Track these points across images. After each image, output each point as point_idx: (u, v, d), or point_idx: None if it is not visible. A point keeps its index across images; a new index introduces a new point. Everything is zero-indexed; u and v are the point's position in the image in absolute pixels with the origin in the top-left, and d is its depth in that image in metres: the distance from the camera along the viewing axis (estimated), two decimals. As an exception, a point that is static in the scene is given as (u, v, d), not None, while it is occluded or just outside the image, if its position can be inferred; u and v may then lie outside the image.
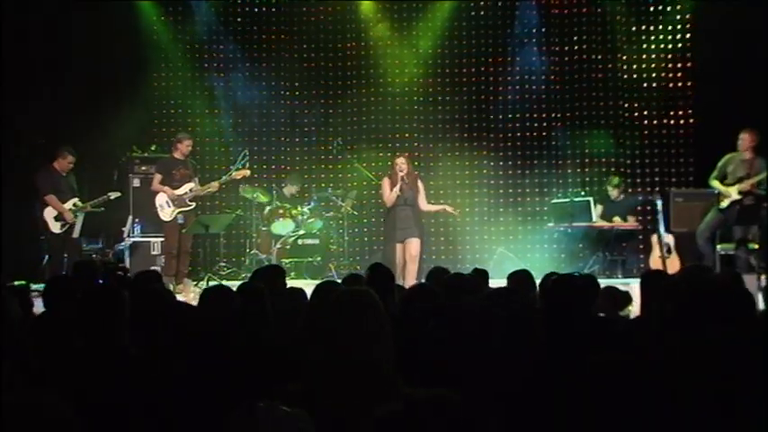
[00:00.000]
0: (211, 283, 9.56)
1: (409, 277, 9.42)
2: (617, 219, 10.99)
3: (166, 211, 10.00)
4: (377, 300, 2.51)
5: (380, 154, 12.25)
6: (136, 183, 11.10)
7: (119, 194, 10.24)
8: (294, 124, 12.57)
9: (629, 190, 11.77)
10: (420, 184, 9.58)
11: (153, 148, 11.68)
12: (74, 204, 9.84)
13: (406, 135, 12.48)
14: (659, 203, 10.69)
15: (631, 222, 11.14)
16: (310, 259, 10.88)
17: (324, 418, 1.86)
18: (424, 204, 9.65)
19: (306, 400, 1.87)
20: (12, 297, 3.93)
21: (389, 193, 9.43)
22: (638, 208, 11.78)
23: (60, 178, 9.87)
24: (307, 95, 12.57)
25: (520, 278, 5.51)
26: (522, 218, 12.17)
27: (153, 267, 10.64)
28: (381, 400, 2.14)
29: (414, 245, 9.39)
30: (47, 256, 10.09)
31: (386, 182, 9.59)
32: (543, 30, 12.28)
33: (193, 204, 10.16)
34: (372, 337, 2.38)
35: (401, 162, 9.44)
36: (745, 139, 9.91)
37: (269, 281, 4.92)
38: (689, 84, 12.03)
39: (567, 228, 10.91)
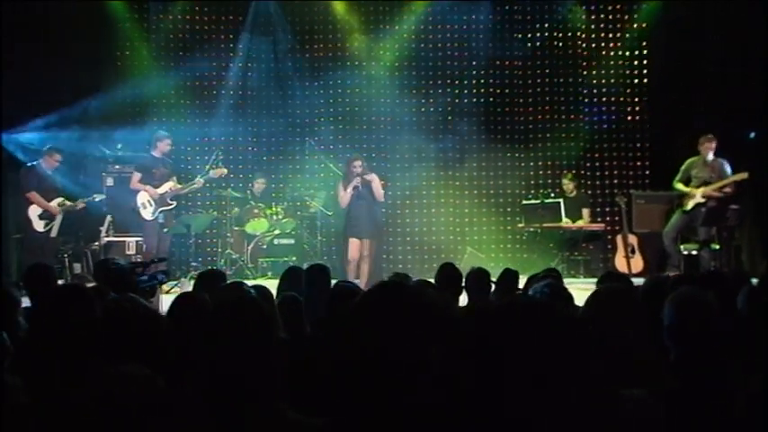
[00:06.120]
0: (192, 282, 9.45)
1: (362, 276, 9.60)
2: (581, 221, 11.31)
3: (148, 210, 9.84)
4: None
5: (348, 155, 12.35)
6: (110, 182, 10.88)
7: (103, 197, 10.09)
8: (264, 124, 12.52)
9: (589, 192, 12.19)
10: (374, 176, 9.89)
11: (119, 147, 11.45)
12: (58, 204, 9.59)
13: (373, 136, 12.59)
14: (623, 205, 11.12)
15: (587, 221, 11.43)
16: (286, 259, 10.89)
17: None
18: (381, 196, 9.93)
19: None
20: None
21: (343, 193, 9.79)
22: (598, 209, 12.21)
23: (45, 176, 9.66)
24: (274, 96, 12.52)
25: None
26: (487, 218, 12.43)
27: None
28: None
29: (365, 244, 9.62)
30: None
31: (340, 184, 9.93)
32: (507, 35, 12.58)
33: (174, 204, 10.05)
34: None
35: (358, 165, 9.78)
36: (705, 144, 10.39)
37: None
38: (645, 91, 12.56)
39: (538, 228, 11.17)
